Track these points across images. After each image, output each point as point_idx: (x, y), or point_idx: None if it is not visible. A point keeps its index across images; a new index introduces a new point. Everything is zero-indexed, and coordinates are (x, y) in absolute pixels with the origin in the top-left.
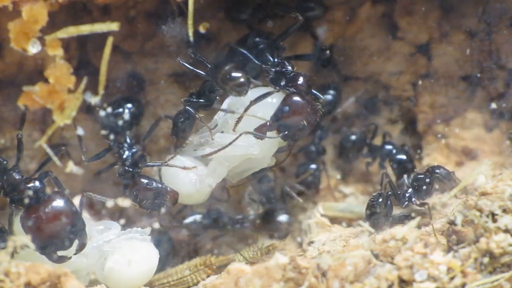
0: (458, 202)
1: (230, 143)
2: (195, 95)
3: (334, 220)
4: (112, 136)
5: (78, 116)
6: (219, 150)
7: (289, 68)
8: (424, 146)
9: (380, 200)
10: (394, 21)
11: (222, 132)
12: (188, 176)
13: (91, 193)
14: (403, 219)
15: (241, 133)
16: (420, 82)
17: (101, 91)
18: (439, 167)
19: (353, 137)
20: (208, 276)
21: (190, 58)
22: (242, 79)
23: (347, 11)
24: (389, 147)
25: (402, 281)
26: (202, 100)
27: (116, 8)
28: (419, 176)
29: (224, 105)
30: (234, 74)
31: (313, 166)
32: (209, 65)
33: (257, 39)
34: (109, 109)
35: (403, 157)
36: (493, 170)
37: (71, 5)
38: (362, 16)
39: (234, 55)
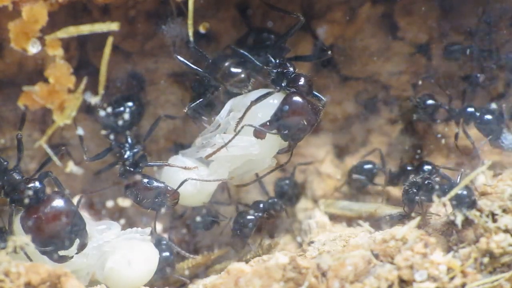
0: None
1: (233, 138)
2: (195, 90)
3: (334, 219)
4: (112, 136)
5: (78, 116)
6: (222, 147)
7: (291, 69)
8: (424, 146)
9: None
10: (394, 21)
11: (224, 133)
12: (189, 177)
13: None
14: (401, 218)
15: (242, 125)
16: (420, 82)
17: (101, 91)
18: None
19: (430, 102)
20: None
21: (188, 50)
22: (242, 75)
23: (347, 11)
24: (471, 109)
25: (402, 281)
26: (203, 100)
27: (116, 8)
28: None
29: (227, 107)
30: (234, 70)
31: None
32: (207, 60)
33: (258, 40)
34: (109, 109)
35: (489, 117)
36: (493, 170)
37: (71, 5)
38: (362, 16)
39: (236, 57)
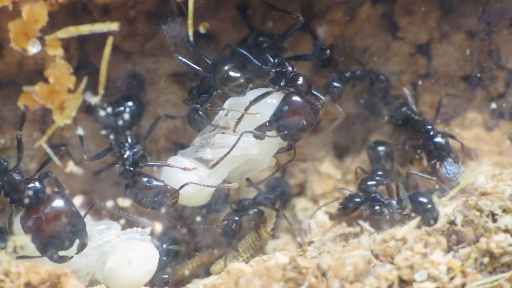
0: (458, 202)
1: (233, 147)
2: (195, 89)
3: (334, 219)
4: (112, 136)
5: (78, 116)
6: (224, 156)
7: (289, 68)
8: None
9: None
10: (394, 21)
11: (223, 133)
12: (189, 177)
13: (103, 203)
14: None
15: (242, 133)
16: (420, 82)
17: (101, 91)
18: None
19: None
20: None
21: (189, 50)
22: (241, 80)
23: (347, 11)
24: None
25: (402, 281)
26: (203, 96)
27: (116, 8)
28: None
29: (225, 106)
30: (233, 75)
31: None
32: (206, 62)
33: (258, 40)
34: (109, 109)
35: (440, 140)
36: (493, 170)
37: (71, 5)
38: (362, 16)
39: (235, 56)
